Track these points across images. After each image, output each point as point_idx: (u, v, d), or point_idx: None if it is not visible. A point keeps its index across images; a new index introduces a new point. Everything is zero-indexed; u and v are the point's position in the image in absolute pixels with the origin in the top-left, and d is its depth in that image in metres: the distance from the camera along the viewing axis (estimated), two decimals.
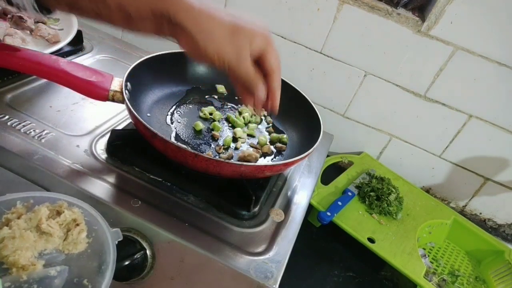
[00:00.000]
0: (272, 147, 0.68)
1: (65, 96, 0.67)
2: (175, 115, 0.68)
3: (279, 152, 0.68)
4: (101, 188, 0.51)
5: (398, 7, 0.86)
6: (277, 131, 0.73)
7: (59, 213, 0.40)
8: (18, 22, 0.73)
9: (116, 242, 0.42)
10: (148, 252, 0.50)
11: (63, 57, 0.71)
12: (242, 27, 0.45)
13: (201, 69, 0.77)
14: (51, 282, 0.37)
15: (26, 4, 0.42)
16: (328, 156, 0.94)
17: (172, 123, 0.66)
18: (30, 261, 0.36)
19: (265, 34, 0.47)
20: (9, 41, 0.68)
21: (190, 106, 0.72)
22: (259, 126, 0.73)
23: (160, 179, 0.57)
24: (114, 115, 0.67)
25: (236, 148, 0.65)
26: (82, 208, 0.42)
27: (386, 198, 0.88)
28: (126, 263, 0.47)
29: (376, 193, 0.89)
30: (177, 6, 0.42)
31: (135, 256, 0.48)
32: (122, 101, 0.57)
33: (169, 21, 0.43)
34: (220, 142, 0.66)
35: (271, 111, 0.52)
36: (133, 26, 0.44)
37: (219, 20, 0.44)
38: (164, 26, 0.43)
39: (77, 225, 0.40)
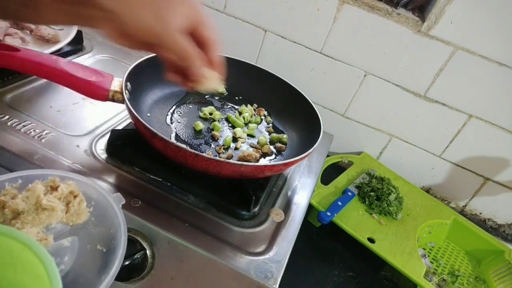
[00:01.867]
0: (272, 147, 0.68)
1: (65, 96, 0.67)
2: (175, 115, 0.68)
3: (279, 152, 0.68)
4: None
5: (398, 7, 0.86)
6: (277, 131, 0.73)
7: (53, 188, 0.40)
8: (18, 22, 0.73)
9: (121, 206, 0.42)
10: (148, 252, 0.50)
11: (63, 57, 0.71)
12: None
13: None
14: (66, 253, 0.37)
15: None
16: (328, 156, 0.94)
17: (172, 123, 0.66)
18: (40, 236, 0.36)
19: (195, 5, 0.43)
20: (9, 41, 0.68)
21: (190, 106, 0.72)
22: (259, 126, 0.73)
23: (160, 179, 0.57)
24: (114, 115, 0.67)
25: (236, 148, 0.65)
26: (74, 179, 0.42)
27: (386, 198, 0.88)
28: (126, 263, 0.47)
29: (376, 193, 0.89)
30: None
31: (135, 256, 0.48)
32: (122, 101, 0.57)
33: (84, 3, 0.38)
34: (220, 142, 0.66)
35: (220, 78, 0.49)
36: (42, 16, 0.39)
37: None
38: (78, 12, 0.38)
39: (75, 196, 0.40)
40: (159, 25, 0.40)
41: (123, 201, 0.43)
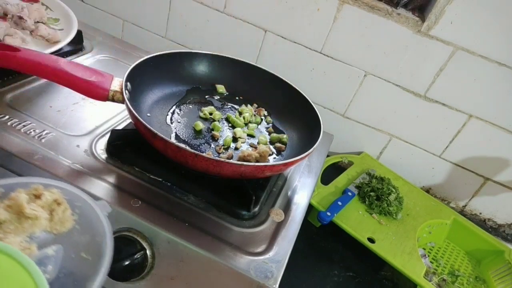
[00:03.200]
0: (272, 147, 0.68)
1: (65, 96, 0.67)
2: (175, 115, 0.68)
3: (279, 152, 0.68)
4: (101, 188, 0.51)
5: (398, 7, 0.86)
6: (277, 131, 0.73)
7: (36, 196, 0.40)
8: (18, 22, 0.73)
9: (106, 213, 0.42)
10: (148, 252, 0.50)
11: (63, 57, 0.71)
12: None
13: (201, 69, 0.77)
14: (50, 262, 0.37)
15: None
16: (328, 156, 0.94)
17: (172, 123, 0.66)
18: (23, 245, 0.36)
19: None
20: (9, 41, 0.68)
21: (190, 106, 0.72)
22: (259, 126, 0.73)
23: (160, 179, 0.57)
24: (114, 115, 0.67)
25: (236, 148, 0.65)
26: (58, 187, 0.42)
27: (386, 198, 0.88)
28: (126, 263, 0.47)
29: (376, 193, 0.89)
30: None
31: (135, 256, 0.48)
32: (122, 101, 0.57)
33: None
34: (220, 142, 0.66)
35: None
36: None
37: None
38: None
39: (59, 204, 0.40)
40: None
41: (109, 210, 0.43)
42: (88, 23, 0.91)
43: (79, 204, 0.42)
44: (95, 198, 0.49)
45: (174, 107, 0.70)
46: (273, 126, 0.74)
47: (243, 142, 0.67)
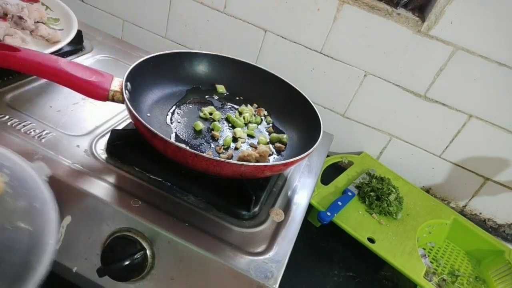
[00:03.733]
0: (272, 147, 0.68)
1: (65, 96, 0.67)
2: (175, 115, 0.68)
3: (278, 152, 0.68)
4: (101, 188, 0.51)
5: (398, 7, 0.86)
6: (277, 131, 0.73)
7: None
8: (18, 22, 0.73)
9: (46, 178, 0.36)
10: (148, 252, 0.50)
11: (63, 57, 0.71)
12: None
13: (201, 69, 0.77)
14: None
15: None
16: (328, 156, 0.94)
17: (172, 123, 0.66)
18: None
19: None
20: (9, 41, 0.68)
21: (190, 106, 0.72)
22: (259, 126, 0.73)
23: (160, 179, 0.57)
24: (114, 115, 0.67)
25: (236, 148, 0.65)
26: None
27: (386, 198, 0.88)
28: (126, 263, 0.47)
29: (376, 193, 0.89)
30: None
31: (135, 256, 0.48)
32: (122, 101, 0.57)
33: None
34: (220, 142, 0.66)
35: None
36: None
37: None
38: None
39: None
40: None
41: (48, 172, 0.37)
42: (88, 23, 0.91)
43: (8, 164, 0.35)
44: (96, 200, 0.50)
45: (174, 107, 0.70)
46: (273, 126, 0.74)
47: (243, 142, 0.67)
